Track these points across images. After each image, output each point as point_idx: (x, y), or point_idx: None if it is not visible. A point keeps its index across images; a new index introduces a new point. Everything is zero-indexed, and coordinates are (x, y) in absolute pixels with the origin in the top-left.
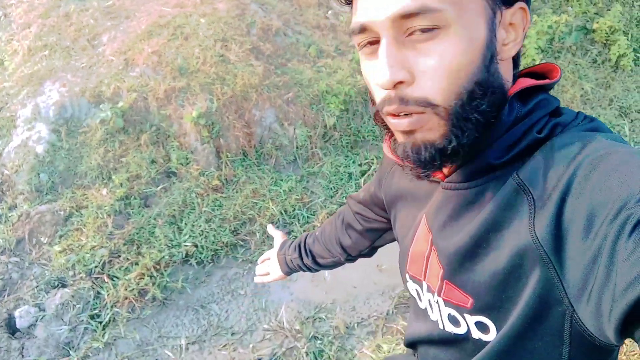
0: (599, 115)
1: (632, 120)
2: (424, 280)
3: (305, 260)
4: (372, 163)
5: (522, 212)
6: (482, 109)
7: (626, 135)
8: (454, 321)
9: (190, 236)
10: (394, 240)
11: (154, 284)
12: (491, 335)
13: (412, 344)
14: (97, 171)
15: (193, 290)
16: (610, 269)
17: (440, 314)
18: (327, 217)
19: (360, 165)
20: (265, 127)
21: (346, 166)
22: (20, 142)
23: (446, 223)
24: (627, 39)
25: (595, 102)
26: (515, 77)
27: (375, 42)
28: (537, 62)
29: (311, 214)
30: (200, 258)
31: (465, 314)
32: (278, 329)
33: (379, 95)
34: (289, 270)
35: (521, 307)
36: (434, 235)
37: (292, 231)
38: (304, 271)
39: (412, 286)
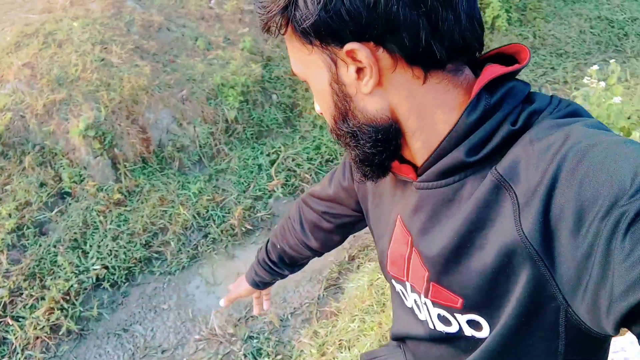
0: None
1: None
2: (407, 280)
3: (283, 272)
4: (280, 151)
5: (505, 209)
6: (350, 144)
7: None
8: (445, 320)
9: (98, 258)
10: (365, 227)
11: (66, 316)
12: (484, 332)
13: (399, 339)
14: None
15: (111, 314)
16: (606, 269)
17: (429, 314)
18: (243, 213)
19: (268, 155)
20: (162, 129)
21: (254, 158)
22: None
23: (426, 224)
24: (499, 1)
25: None
26: (482, 64)
27: None
28: None
29: (226, 213)
30: (113, 279)
31: (455, 314)
32: (210, 337)
33: None
34: (256, 285)
35: (513, 305)
36: (414, 238)
37: (209, 233)
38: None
39: (396, 286)
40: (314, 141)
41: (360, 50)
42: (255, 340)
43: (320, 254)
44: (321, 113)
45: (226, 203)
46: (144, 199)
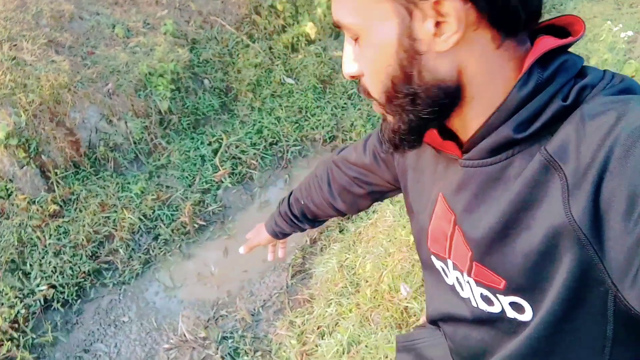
0: None
1: None
2: (449, 258)
3: (304, 226)
4: (221, 139)
5: (553, 190)
6: (406, 108)
7: None
8: (487, 300)
9: (42, 278)
10: (394, 195)
11: (18, 346)
12: (527, 315)
13: (435, 321)
14: None
15: (68, 336)
16: None
17: (472, 292)
18: (193, 208)
19: (209, 144)
20: (90, 128)
21: (195, 149)
22: None
23: (471, 203)
24: None
25: None
26: (533, 37)
27: None
28: None
29: (174, 210)
30: (63, 298)
31: (498, 295)
32: (181, 344)
33: None
34: (274, 233)
35: (559, 289)
36: (458, 217)
37: (159, 235)
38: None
39: (436, 263)
40: (254, 125)
41: (453, 1)
42: (230, 340)
43: (344, 215)
44: (353, 77)
45: (173, 200)
46: (82, 207)
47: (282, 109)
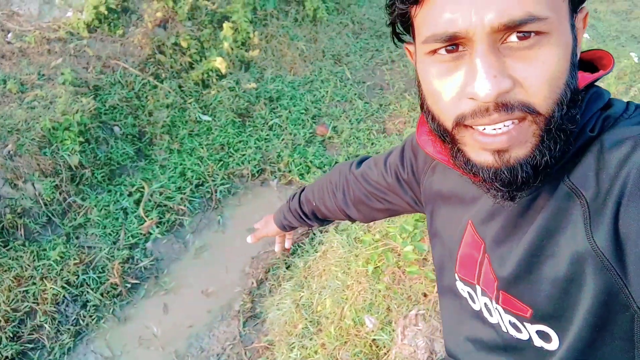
0: (320, 70)
1: (347, 63)
2: (478, 284)
3: (313, 224)
4: (142, 188)
5: (575, 216)
6: (575, 117)
7: (348, 78)
8: (515, 327)
9: None
10: (411, 212)
11: None
12: (553, 344)
13: (455, 354)
14: None
15: None
16: None
17: (502, 318)
18: (122, 267)
19: (130, 195)
20: None
21: (115, 202)
22: None
23: (500, 234)
24: None
25: (312, 57)
26: None
27: (454, 50)
28: (252, 35)
29: (101, 272)
30: None
31: (525, 323)
32: None
33: (459, 107)
34: (283, 227)
35: (584, 316)
36: (487, 245)
37: (88, 301)
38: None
39: (463, 287)
40: (176, 168)
41: (588, 14)
42: None
43: (355, 221)
44: (499, 96)
45: (98, 262)
46: None
47: (202, 148)
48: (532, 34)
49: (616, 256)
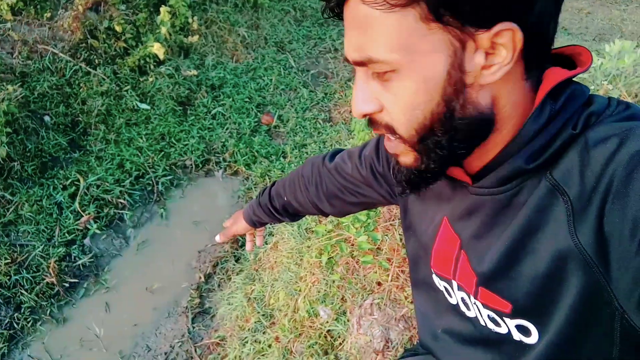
0: (263, 57)
1: (290, 51)
2: (454, 279)
3: (284, 219)
4: (78, 181)
5: (558, 214)
6: (443, 144)
7: (292, 67)
8: (494, 321)
9: None
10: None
11: None
12: (533, 338)
13: (428, 346)
14: None
15: None
16: None
17: (480, 313)
18: (58, 265)
19: (64, 188)
20: None
21: (48, 197)
22: None
23: (480, 230)
24: None
25: (255, 44)
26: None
27: None
28: (191, 20)
29: (35, 272)
30: None
31: (505, 317)
32: None
33: None
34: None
35: (566, 312)
36: (463, 241)
37: (22, 303)
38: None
39: (439, 282)
40: (113, 160)
41: (516, 32)
42: None
43: (327, 215)
44: (365, 116)
45: (32, 261)
46: None
47: (142, 138)
48: (388, 72)
49: (599, 254)
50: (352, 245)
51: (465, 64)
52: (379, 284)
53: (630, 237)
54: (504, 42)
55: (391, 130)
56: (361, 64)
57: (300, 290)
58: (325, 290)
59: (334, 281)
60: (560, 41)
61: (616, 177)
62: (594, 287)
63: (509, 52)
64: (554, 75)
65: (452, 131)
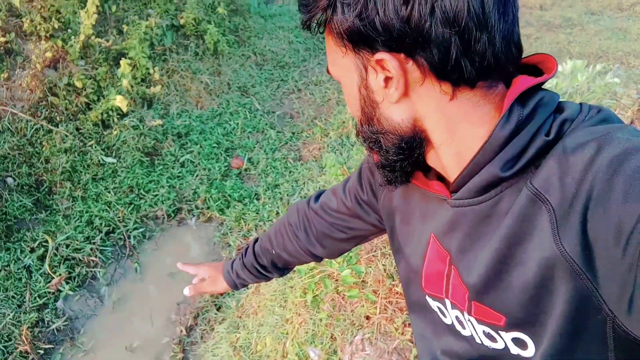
0: (227, 102)
1: (254, 94)
2: (447, 298)
3: (273, 275)
4: (46, 242)
5: (542, 222)
6: (374, 148)
7: (257, 109)
8: (490, 337)
9: None
10: (377, 237)
11: None
12: (530, 351)
13: None
14: None
15: None
16: None
17: (475, 330)
18: (31, 332)
19: (32, 251)
20: None
21: (16, 261)
22: None
23: (465, 243)
24: (214, 26)
25: (218, 90)
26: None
27: None
28: (152, 71)
29: (7, 340)
30: None
31: (500, 331)
32: None
33: None
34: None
35: (557, 321)
36: (452, 257)
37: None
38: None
39: (432, 303)
40: (81, 217)
41: (390, 60)
42: None
43: (321, 260)
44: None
45: (2, 329)
46: None
47: (110, 192)
48: None
49: (585, 260)
50: (337, 280)
51: (371, 84)
52: (367, 317)
53: (614, 242)
54: (390, 68)
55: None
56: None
57: (287, 333)
58: (313, 330)
59: (321, 320)
60: None
61: (597, 183)
62: (583, 294)
63: (396, 75)
64: (520, 83)
65: (376, 140)
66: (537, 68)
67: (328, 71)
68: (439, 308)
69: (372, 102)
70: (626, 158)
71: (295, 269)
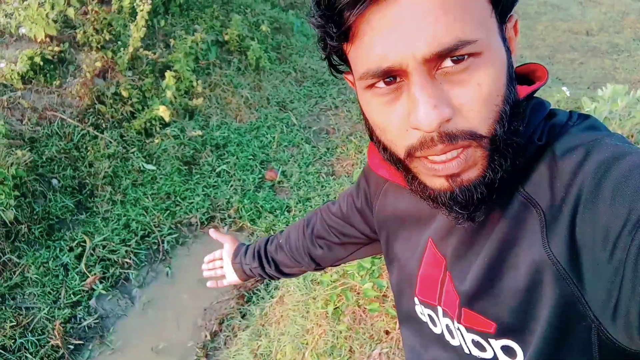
0: (265, 116)
1: (292, 110)
2: (439, 305)
3: (268, 269)
4: (84, 242)
5: (532, 226)
6: (519, 129)
7: (294, 124)
8: (479, 346)
9: None
10: (369, 255)
11: None
12: (518, 359)
13: None
14: None
15: None
16: (635, 283)
17: (464, 339)
18: (63, 328)
19: (71, 250)
20: None
21: (55, 259)
22: None
23: (459, 249)
24: (257, 43)
25: (257, 104)
26: None
27: (391, 81)
28: (195, 84)
29: (40, 334)
30: None
31: (490, 339)
32: None
33: (406, 139)
34: (246, 277)
35: (543, 327)
36: (448, 262)
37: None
38: (265, 279)
39: (423, 310)
40: (119, 220)
41: (516, 23)
42: None
43: (316, 267)
44: (440, 126)
45: (37, 323)
46: None
47: (147, 198)
48: (466, 57)
49: (572, 265)
50: (358, 293)
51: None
52: (386, 332)
53: (602, 246)
54: (512, 34)
55: (472, 134)
56: (440, 56)
57: (307, 344)
58: (332, 341)
59: (340, 332)
60: (554, 89)
61: (585, 187)
62: (568, 300)
63: (514, 43)
64: (519, 91)
65: (521, 115)
66: (527, 78)
67: (450, 48)
68: (430, 316)
69: (512, 73)
70: (614, 163)
71: (318, 280)
